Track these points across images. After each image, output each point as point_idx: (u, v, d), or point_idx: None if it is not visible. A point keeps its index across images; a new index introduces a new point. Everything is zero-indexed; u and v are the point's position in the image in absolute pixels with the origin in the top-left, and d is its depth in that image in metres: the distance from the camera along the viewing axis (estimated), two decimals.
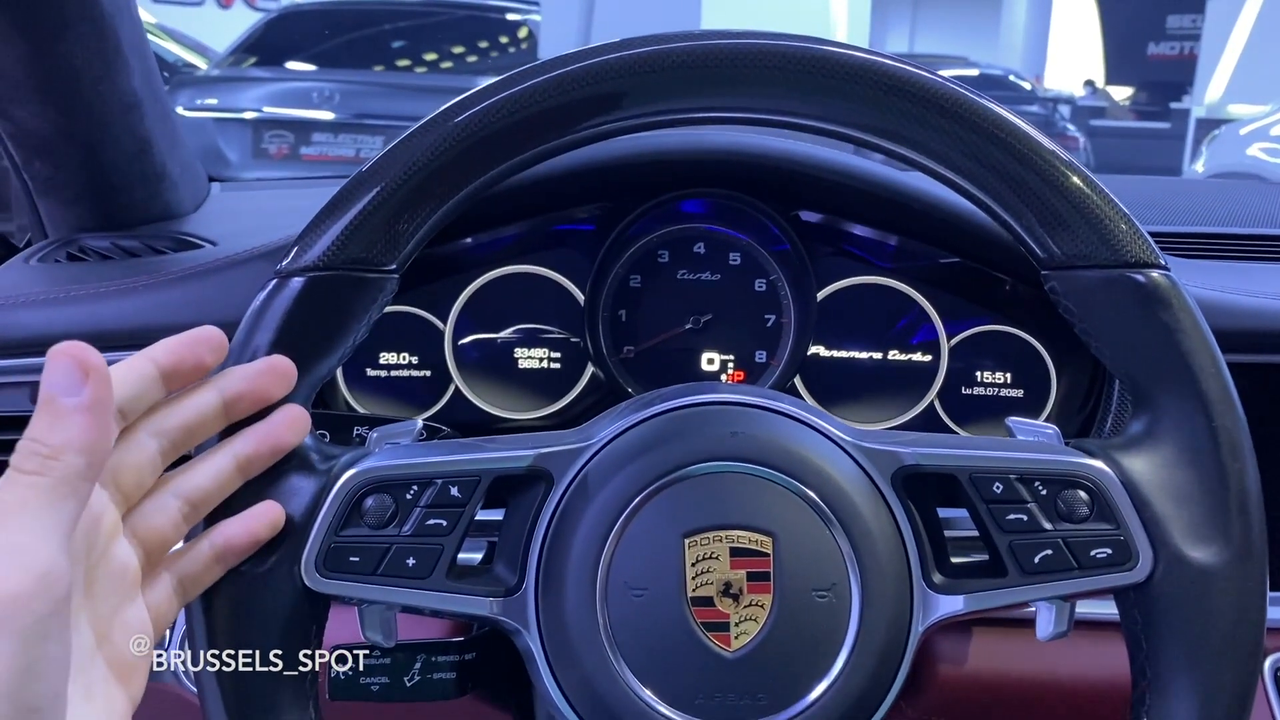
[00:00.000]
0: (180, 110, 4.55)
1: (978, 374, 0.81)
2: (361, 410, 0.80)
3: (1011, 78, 8.98)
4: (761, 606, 0.49)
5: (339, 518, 0.49)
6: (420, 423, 0.55)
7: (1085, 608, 0.54)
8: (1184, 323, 0.49)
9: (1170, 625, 0.49)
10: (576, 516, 0.50)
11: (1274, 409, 0.70)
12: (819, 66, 0.49)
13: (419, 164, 0.50)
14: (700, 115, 0.52)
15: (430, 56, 5.34)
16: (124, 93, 0.82)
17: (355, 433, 0.66)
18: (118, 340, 0.70)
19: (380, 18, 5.39)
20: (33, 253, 0.86)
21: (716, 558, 0.49)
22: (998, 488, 0.50)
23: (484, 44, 5.36)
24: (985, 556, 0.52)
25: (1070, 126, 8.12)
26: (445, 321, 0.81)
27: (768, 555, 0.49)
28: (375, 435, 0.53)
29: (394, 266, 0.51)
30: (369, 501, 0.49)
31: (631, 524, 0.49)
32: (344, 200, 0.50)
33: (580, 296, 0.81)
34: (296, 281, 0.50)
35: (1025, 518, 0.50)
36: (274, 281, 0.50)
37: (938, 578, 0.51)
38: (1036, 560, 0.50)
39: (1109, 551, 0.49)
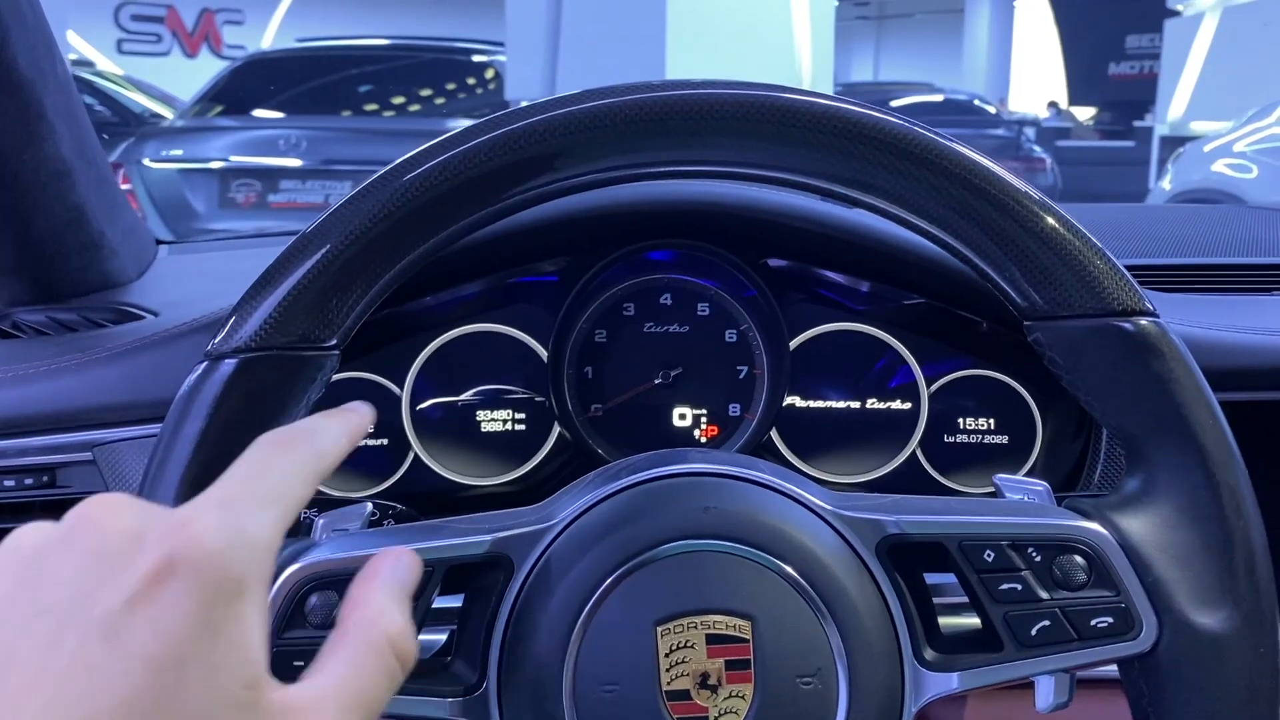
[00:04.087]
0: (146, 162, 4.53)
1: (960, 420, 0.78)
2: None
3: (976, 102, 9.10)
4: (742, 698, 0.45)
5: (281, 619, 0.45)
6: (370, 506, 0.51)
7: None
8: (1177, 373, 0.47)
9: (1178, 697, 0.46)
10: (539, 606, 0.47)
11: (1267, 447, 0.68)
12: (780, 116, 0.47)
13: (357, 233, 0.47)
14: (661, 170, 0.49)
15: (398, 100, 5.35)
16: (51, 160, 0.79)
17: (302, 516, 0.62)
18: (49, 424, 0.67)
19: (346, 63, 5.41)
20: None
21: (692, 646, 0.46)
22: (989, 556, 0.47)
23: (451, 86, 5.38)
24: (977, 622, 0.49)
25: (1036, 148, 8.19)
26: (402, 386, 0.77)
27: (747, 641, 0.46)
28: (321, 522, 0.50)
29: (334, 342, 0.48)
30: (313, 599, 0.46)
31: (599, 612, 0.46)
32: (276, 274, 0.47)
33: (544, 354, 0.78)
34: (228, 364, 0.46)
35: (1019, 587, 0.47)
36: (204, 364, 0.47)
37: (929, 654, 0.48)
38: (1034, 632, 0.47)
39: (1110, 620, 0.46)
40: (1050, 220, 0.47)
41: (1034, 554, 0.47)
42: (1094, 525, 0.47)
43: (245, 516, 0.33)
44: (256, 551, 0.32)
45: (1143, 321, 0.47)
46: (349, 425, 0.43)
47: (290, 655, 0.45)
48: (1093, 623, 0.46)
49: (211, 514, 0.32)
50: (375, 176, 0.48)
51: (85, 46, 11.78)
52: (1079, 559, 0.47)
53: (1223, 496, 0.46)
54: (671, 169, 0.49)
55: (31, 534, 0.33)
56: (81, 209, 0.82)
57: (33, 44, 0.77)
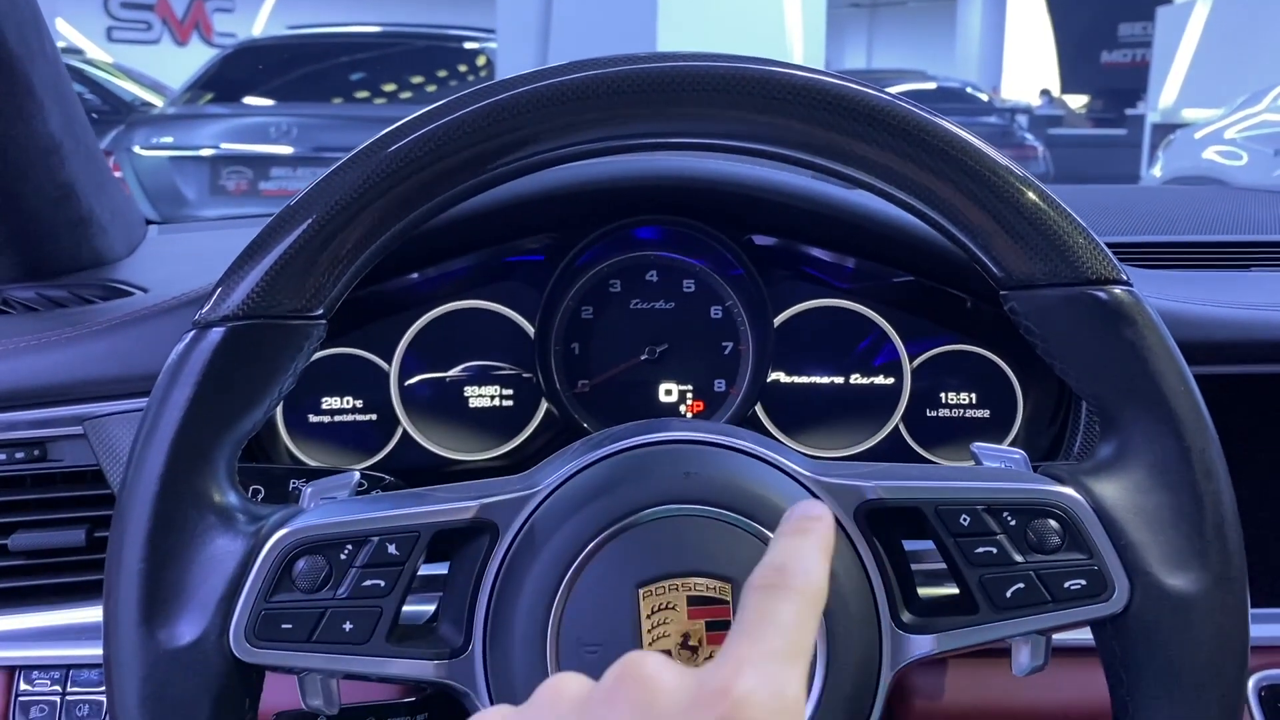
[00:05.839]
0: (137, 149, 4.50)
1: (942, 395, 0.78)
2: (305, 459, 0.77)
3: (969, 89, 9.06)
4: None
5: (269, 582, 0.46)
6: (358, 474, 0.52)
7: (1066, 634, 0.52)
8: (1149, 340, 0.47)
9: (1150, 657, 0.47)
10: (524, 570, 0.47)
11: (1242, 420, 0.69)
12: (759, 88, 0.47)
13: (343, 203, 0.48)
14: (642, 142, 0.50)
15: (389, 87, 5.32)
16: (40, 137, 0.79)
17: (291, 486, 0.63)
18: (38, 398, 0.67)
19: (337, 50, 5.37)
20: None
21: (673, 608, 0.46)
22: (965, 520, 0.48)
23: (442, 73, 5.35)
24: (955, 589, 0.50)
25: (1029, 136, 8.18)
26: (390, 362, 0.78)
27: (727, 603, 0.46)
28: (309, 490, 0.50)
29: (321, 312, 0.49)
30: (300, 564, 0.46)
31: (582, 575, 0.47)
32: (264, 243, 0.48)
33: (531, 330, 0.78)
34: (216, 332, 0.47)
35: (995, 550, 0.48)
36: (192, 333, 0.48)
37: (907, 616, 0.49)
38: (1008, 595, 0.48)
39: (1083, 583, 0.47)
40: (1026, 191, 0.48)
41: (1009, 518, 0.48)
42: (1068, 490, 0.48)
43: (781, 678, 0.31)
44: (796, 712, 0.31)
45: (1116, 290, 0.47)
46: (822, 541, 0.38)
47: (278, 618, 0.46)
48: (1066, 585, 0.47)
49: (753, 678, 0.31)
50: (360, 148, 0.49)
51: (75, 34, 11.71)
52: (1053, 523, 0.48)
53: (1193, 461, 0.47)
54: (651, 140, 0.50)
55: (573, 683, 0.32)
56: (71, 186, 0.83)
57: (21, 21, 0.77)
